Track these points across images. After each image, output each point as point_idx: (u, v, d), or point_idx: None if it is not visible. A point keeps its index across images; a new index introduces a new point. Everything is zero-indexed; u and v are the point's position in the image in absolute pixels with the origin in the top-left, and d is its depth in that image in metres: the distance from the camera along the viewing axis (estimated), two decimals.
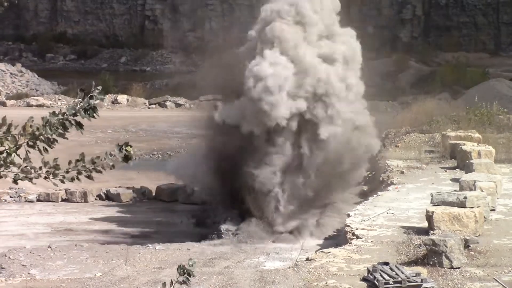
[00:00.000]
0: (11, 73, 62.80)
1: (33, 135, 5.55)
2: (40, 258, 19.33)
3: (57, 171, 5.66)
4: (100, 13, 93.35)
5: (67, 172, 5.68)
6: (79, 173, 5.71)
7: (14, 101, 50.85)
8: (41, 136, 5.50)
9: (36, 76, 64.80)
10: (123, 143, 5.73)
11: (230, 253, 20.03)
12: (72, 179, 5.72)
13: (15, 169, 5.66)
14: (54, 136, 5.56)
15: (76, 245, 20.80)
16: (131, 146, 5.73)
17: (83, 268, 18.52)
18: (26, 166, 5.61)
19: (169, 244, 20.98)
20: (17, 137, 5.55)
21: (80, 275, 17.73)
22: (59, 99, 51.41)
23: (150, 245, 20.62)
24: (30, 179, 5.67)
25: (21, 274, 17.96)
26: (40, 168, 5.63)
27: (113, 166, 5.75)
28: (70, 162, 5.67)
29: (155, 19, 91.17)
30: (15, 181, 5.72)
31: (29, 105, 48.51)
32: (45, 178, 5.66)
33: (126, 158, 5.72)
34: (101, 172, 5.76)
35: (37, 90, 59.95)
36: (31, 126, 5.54)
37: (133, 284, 16.63)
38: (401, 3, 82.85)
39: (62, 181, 5.74)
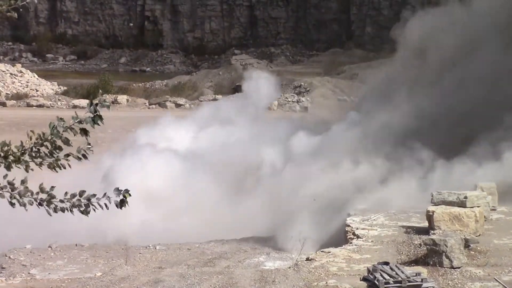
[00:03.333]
0: (11, 74, 62.80)
1: (38, 142, 5.57)
2: (40, 258, 19.33)
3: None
4: (99, 13, 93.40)
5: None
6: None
7: (14, 101, 50.89)
8: (47, 142, 5.55)
9: (36, 76, 64.82)
10: (124, 189, 5.72)
11: (230, 252, 20.00)
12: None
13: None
14: (58, 142, 5.61)
15: (76, 244, 20.79)
16: (130, 195, 5.73)
17: (83, 268, 18.51)
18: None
19: (169, 244, 20.97)
20: (20, 149, 5.57)
21: (80, 275, 17.71)
22: (59, 99, 51.41)
23: (150, 245, 20.61)
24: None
25: (21, 274, 17.94)
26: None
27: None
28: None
29: (154, 19, 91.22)
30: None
31: (29, 105, 48.51)
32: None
33: (122, 203, 5.72)
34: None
35: (37, 91, 59.94)
36: (31, 138, 5.57)
37: (133, 284, 16.59)
38: (401, 4, 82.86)
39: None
